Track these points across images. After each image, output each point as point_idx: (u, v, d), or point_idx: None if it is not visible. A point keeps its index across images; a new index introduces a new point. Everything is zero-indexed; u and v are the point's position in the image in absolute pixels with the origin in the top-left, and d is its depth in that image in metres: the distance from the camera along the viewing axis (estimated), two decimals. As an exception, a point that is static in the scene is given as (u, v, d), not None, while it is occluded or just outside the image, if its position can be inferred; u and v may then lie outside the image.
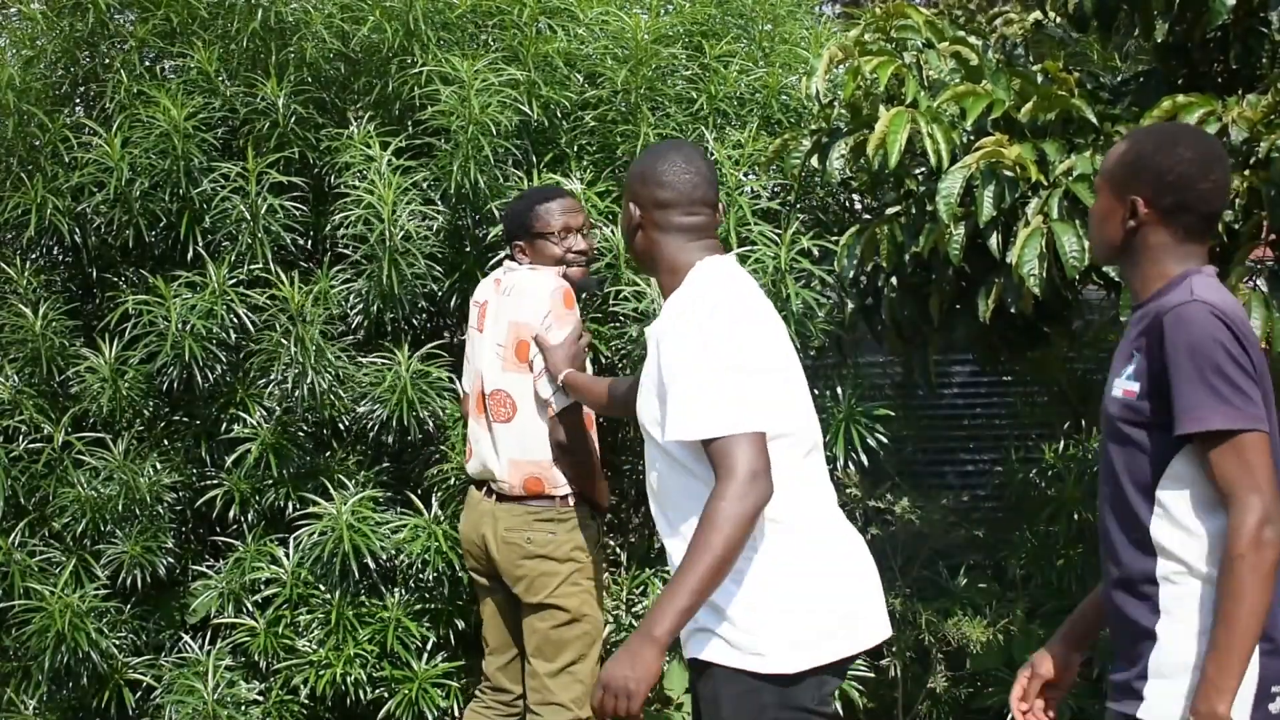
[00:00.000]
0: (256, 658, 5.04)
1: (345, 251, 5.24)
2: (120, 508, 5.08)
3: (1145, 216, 2.82)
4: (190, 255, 5.19)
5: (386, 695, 5.05)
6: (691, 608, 2.87)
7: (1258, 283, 4.09)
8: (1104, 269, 4.07)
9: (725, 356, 2.97)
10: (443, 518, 4.99)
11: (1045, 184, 4.11)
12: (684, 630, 3.07)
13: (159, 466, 5.22)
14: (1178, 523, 2.72)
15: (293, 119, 5.26)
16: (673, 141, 3.48)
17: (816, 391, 5.60)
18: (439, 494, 5.08)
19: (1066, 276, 4.01)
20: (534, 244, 4.44)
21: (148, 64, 5.49)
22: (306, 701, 5.04)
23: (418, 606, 5.10)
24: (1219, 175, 2.84)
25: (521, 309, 4.36)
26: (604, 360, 5.22)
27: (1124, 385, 2.79)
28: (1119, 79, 5.00)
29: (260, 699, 5.09)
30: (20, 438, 5.27)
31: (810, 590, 3.05)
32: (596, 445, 4.48)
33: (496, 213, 5.11)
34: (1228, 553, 2.61)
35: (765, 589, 3.01)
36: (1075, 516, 5.39)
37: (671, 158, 3.21)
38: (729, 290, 3.12)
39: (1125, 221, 2.85)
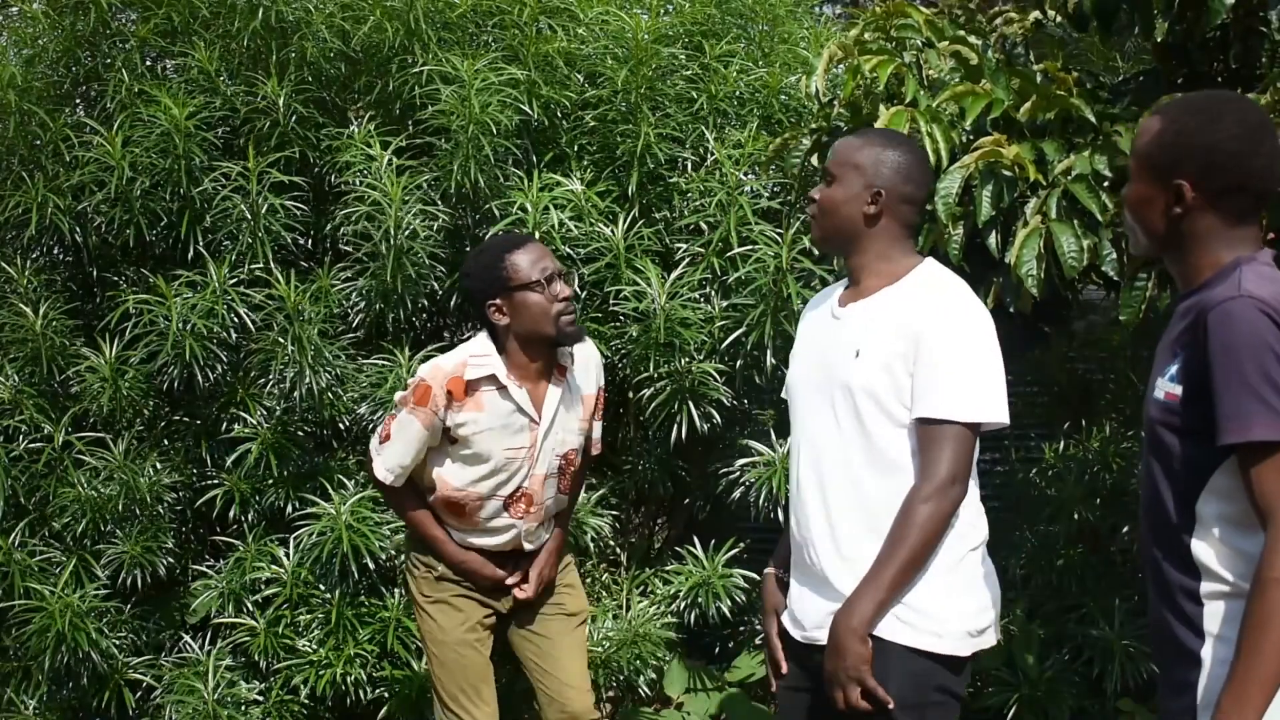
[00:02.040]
0: (256, 658, 5.04)
1: (346, 250, 5.25)
2: (120, 508, 5.09)
3: (1193, 202, 2.54)
4: (191, 254, 5.20)
5: (386, 695, 5.05)
6: (887, 601, 3.01)
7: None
8: (1103, 269, 4.05)
9: (992, 352, 3.13)
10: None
11: (1044, 184, 4.10)
12: (819, 612, 3.18)
13: (159, 466, 5.22)
14: (1219, 541, 2.48)
15: (293, 118, 5.26)
16: (908, 139, 3.53)
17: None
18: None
19: (1065, 276, 4.00)
20: (512, 298, 3.94)
21: (149, 63, 5.51)
22: (306, 701, 5.04)
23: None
24: (1271, 147, 2.55)
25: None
26: (605, 358, 5.22)
27: (1166, 387, 2.54)
28: (1119, 78, 4.99)
29: (260, 699, 5.09)
30: (20, 438, 5.27)
31: (983, 579, 3.19)
32: (421, 517, 4.19)
33: (497, 212, 5.11)
34: (1261, 575, 2.33)
35: (950, 572, 3.09)
36: (1075, 516, 5.39)
37: (921, 157, 3.31)
38: (970, 292, 3.24)
39: (1169, 208, 2.57)
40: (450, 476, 4.06)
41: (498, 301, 3.95)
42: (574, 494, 4.35)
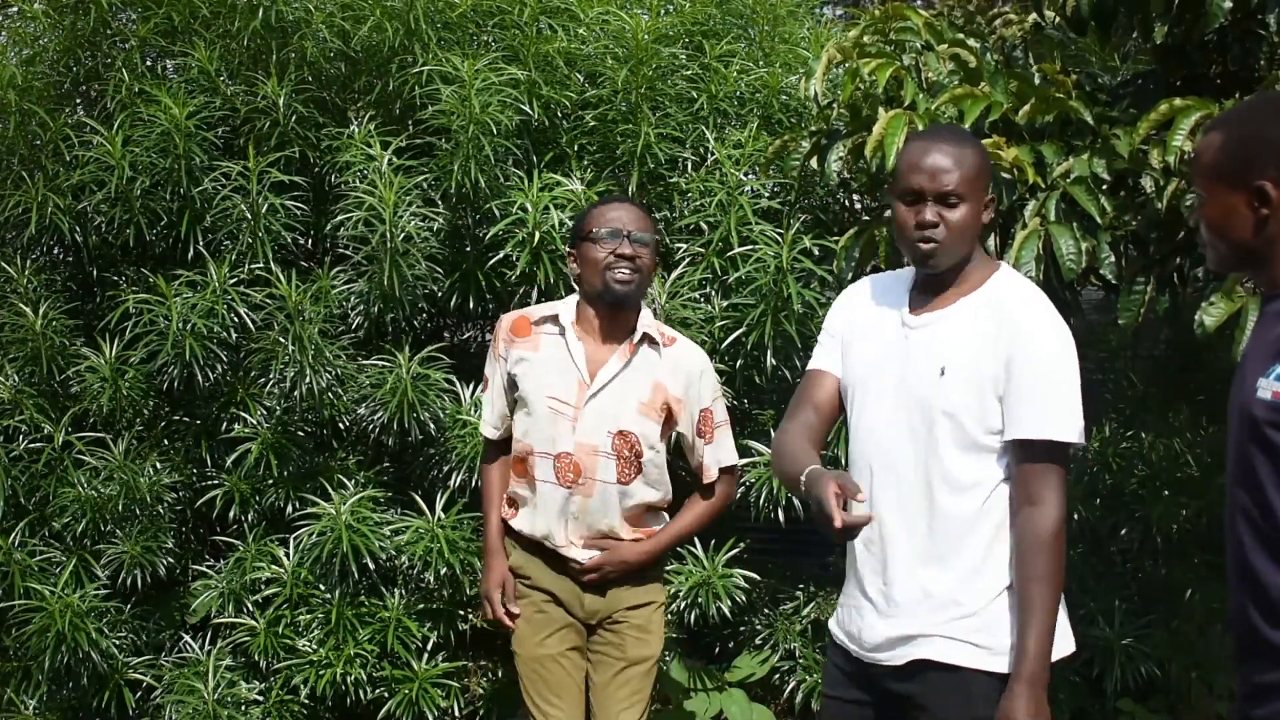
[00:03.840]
0: (256, 658, 5.05)
1: (346, 252, 5.25)
2: (120, 508, 5.08)
3: (1278, 199, 2.48)
4: (191, 254, 5.20)
5: (386, 695, 5.05)
6: (1050, 641, 3.01)
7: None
8: (1101, 272, 4.05)
9: (1077, 371, 3.07)
10: (445, 520, 4.99)
11: (1043, 186, 4.11)
12: (891, 633, 3.13)
13: (159, 466, 5.22)
14: None
15: (293, 118, 5.26)
16: (957, 131, 3.42)
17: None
18: (442, 496, 5.08)
19: (1064, 278, 4.01)
20: (580, 248, 3.97)
21: (149, 63, 5.50)
22: (306, 701, 5.04)
23: (419, 607, 5.10)
24: None
25: None
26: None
27: (1273, 386, 2.44)
28: (1118, 80, 4.99)
29: (260, 699, 5.10)
30: (20, 438, 5.27)
31: None
32: (489, 482, 4.25)
33: (497, 212, 5.12)
34: None
35: (1011, 590, 3.06)
36: (1075, 516, 5.38)
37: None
38: (1050, 304, 3.17)
39: (1255, 211, 2.51)
40: (515, 426, 4.07)
41: (572, 249, 4.02)
42: (689, 521, 4.20)
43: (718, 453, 4.17)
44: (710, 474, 4.16)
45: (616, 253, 3.90)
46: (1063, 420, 3.00)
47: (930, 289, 3.18)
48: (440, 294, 5.31)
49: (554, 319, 4.02)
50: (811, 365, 3.41)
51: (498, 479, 4.19)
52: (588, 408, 3.94)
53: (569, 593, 4.08)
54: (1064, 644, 3.15)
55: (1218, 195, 2.58)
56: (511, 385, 4.05)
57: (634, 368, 3.98)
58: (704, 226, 5.29)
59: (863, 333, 3.29)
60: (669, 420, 4.03)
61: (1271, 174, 2.48)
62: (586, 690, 4.17)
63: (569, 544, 4.01)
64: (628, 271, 3.90)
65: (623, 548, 4.03)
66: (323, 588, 5.06)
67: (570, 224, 4.28)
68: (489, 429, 4.18)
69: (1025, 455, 3.01)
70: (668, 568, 5.23)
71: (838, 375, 3.34)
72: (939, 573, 3.08)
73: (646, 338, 4.00)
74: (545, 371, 3.98)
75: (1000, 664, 3.03)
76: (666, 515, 4.18)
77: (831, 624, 3.37)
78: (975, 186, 3.09)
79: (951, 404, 3.04)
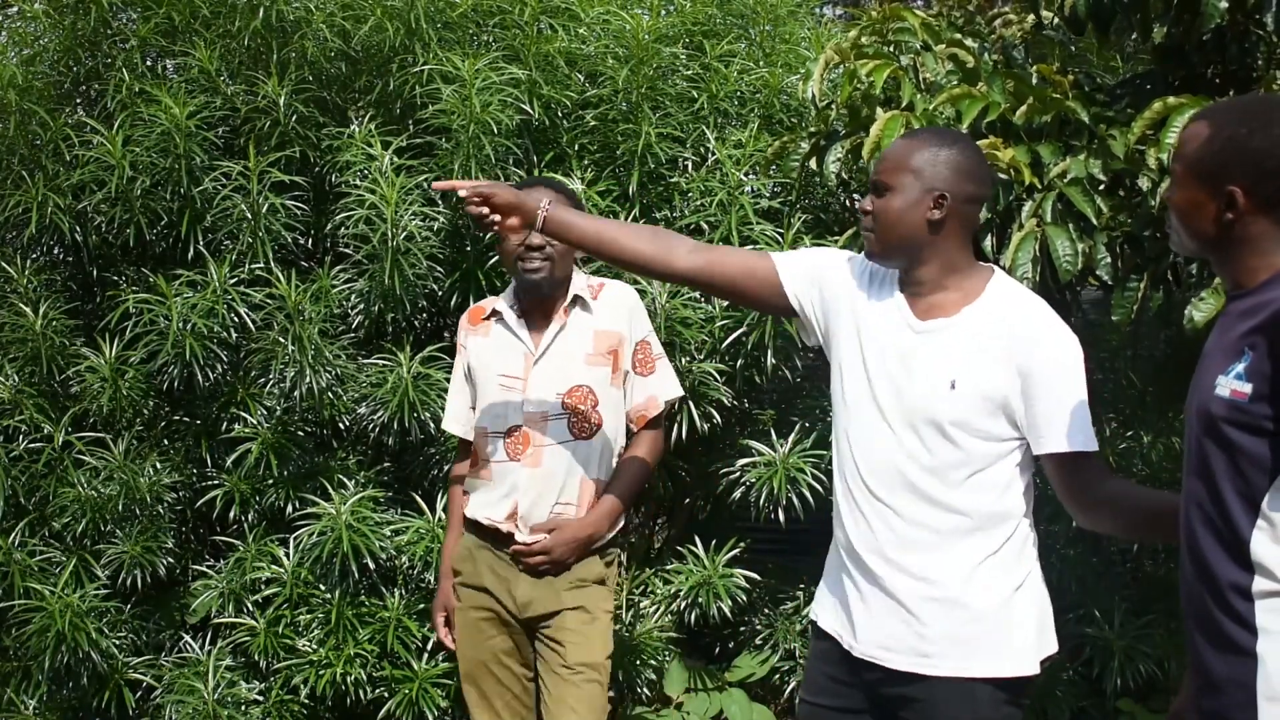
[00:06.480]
0: (256, 658, 5.04)
1: (346, 251, 5.26)
2: (120, 508, 5.09)
3: (1245, 207, 2.51)
4: (191, 254, 5.20)
5: (386, 695, 5.05)
6: None
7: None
8: (1098, 272, 4.05)
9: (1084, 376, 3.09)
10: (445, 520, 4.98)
11: (1039, 187, 4.10)
12: (909, 648, 3.11)
13: (159, 466, 5.22)
14: None
15: (294, 118, 5.26)
16: (961, 134, 3.37)
17: (818, 391, 5.63)
18: (442, 496, 5.07)
19: (1060, 279, 4.00)
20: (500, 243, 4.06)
21: (149, 63, 5.51)
22: (306, 701, 5.04)
23: (419, 607, 5.09)
24: None
25: None
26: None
27: (1232, 384, 2.48)
28: (1118, 81, 4.99)
29: (260, 699, 5.10)
30: (20, 438, 5.27)
31: (1040, 589, 3.18)
32: (453, 498, 4.33)
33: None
34: None
35: (1015, 595, 3.09)
36: (1075, 517, 5.37)
37: (978, 152, 3.16)
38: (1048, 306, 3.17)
39: (1220, 215, 2.54)
40: (476, 413, 4.12)
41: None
42: (638, 463, 4.13)
43: (663, 384, 4.19)
44: (657, 405, 4.16)
45: (526, 244, 3.93)
46: (1089, 433, 3.03)
47: (922, 295, 3.14)
48: (441, 293, 5.31)
49: (495, 312, 4.11)
50: (774, 255, 3.38)
51: (460, 495, 4.24)
52: (534, 374, 4.01)
53: (501, 587, 4.05)
54: (1044, 645, 3.16)
55: (1189, 187, 2.60)
56: (469, 375, 4.15)
57: (570, 327, 4.04)
58: (704, 226, 5.29)
59: (866, 325, 3.22)
60: (616, 363, 4.07)
61: (1244, 182, 2.50)
62: (538, 701, 4.15)
63: (514, 527, 4.01)
64: (537, 261, 3.95)
65: (569, 525, 3.99)
66: (323, 588, 5.06)
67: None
68: (455, 424, 4.22)
69: (1066, 460, 3.04)
70: (666, 566, 5.24)
71: (787, 287, 3.34)
72: (946, 577, 3.06)
73: (578, 299, 4.06)
74: (494, 353, 4.08)
75: (1007, 668, 3.03)
76: None
77: (817, 616, 3.36)
78: (901, 176, 3.09)
79: (962, 416, 3.02)
